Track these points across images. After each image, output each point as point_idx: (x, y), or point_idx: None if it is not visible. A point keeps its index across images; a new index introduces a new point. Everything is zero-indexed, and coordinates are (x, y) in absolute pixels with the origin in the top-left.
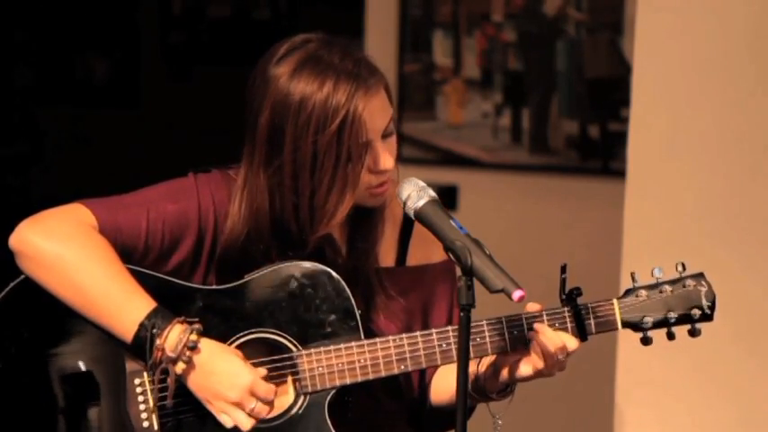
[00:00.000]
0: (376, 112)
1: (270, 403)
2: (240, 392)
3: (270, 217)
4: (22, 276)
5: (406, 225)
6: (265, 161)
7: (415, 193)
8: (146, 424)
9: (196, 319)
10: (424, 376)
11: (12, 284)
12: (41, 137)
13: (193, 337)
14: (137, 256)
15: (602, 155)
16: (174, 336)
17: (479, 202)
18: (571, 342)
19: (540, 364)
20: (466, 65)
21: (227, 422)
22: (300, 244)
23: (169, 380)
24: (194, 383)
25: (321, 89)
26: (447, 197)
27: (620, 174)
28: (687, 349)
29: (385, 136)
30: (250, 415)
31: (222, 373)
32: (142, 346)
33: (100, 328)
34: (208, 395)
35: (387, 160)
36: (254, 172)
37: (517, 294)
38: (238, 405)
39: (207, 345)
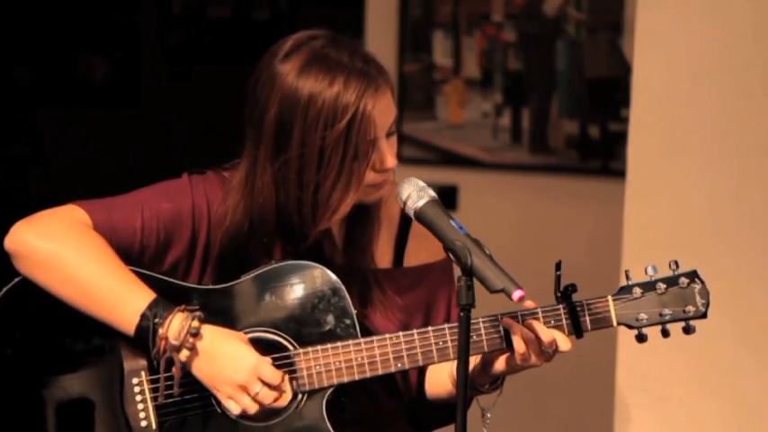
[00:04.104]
0: (383, 110)
1: (276, 389)
2: (245, 375)
3: (275, 210)
4: (18, 278)
5: (403, 226)
6: (272, 157)
7: (415, 193)
8: (144, 423)
9: (197, 307)
10: (422, 375)
11: (7, 287)
12: (41, 137)
13: (195, 323)
14: (133, 256)
15: (602, 155)
16: (176, 324)
17: (479, 202)
18: (565, 343)
19: (529, 358)
20: (466, 65)
21: (234, 408)
22: (301, 237)
23: (174, 369)
24: (199, 370)
25: (331, 87)
26: (447, 197)
27: (620, 174)
28: (687, 349)
29: (389, 135)
30: (255, 399)
31: (227, 357)
32: (145, 336)
33: (96, 328)
34: (213, 381)
35: (391, 159)
36: (259, 168)
37: (517, 294)
38: (244, 389)
39: (209, 330)
